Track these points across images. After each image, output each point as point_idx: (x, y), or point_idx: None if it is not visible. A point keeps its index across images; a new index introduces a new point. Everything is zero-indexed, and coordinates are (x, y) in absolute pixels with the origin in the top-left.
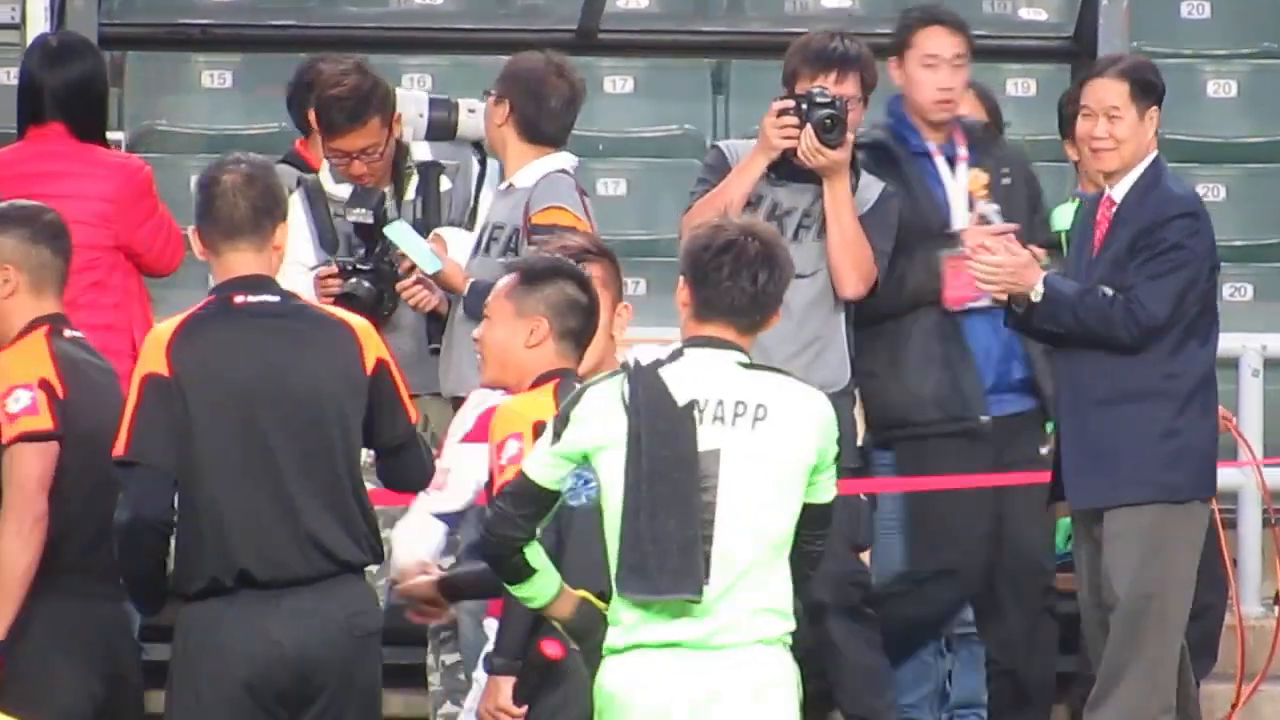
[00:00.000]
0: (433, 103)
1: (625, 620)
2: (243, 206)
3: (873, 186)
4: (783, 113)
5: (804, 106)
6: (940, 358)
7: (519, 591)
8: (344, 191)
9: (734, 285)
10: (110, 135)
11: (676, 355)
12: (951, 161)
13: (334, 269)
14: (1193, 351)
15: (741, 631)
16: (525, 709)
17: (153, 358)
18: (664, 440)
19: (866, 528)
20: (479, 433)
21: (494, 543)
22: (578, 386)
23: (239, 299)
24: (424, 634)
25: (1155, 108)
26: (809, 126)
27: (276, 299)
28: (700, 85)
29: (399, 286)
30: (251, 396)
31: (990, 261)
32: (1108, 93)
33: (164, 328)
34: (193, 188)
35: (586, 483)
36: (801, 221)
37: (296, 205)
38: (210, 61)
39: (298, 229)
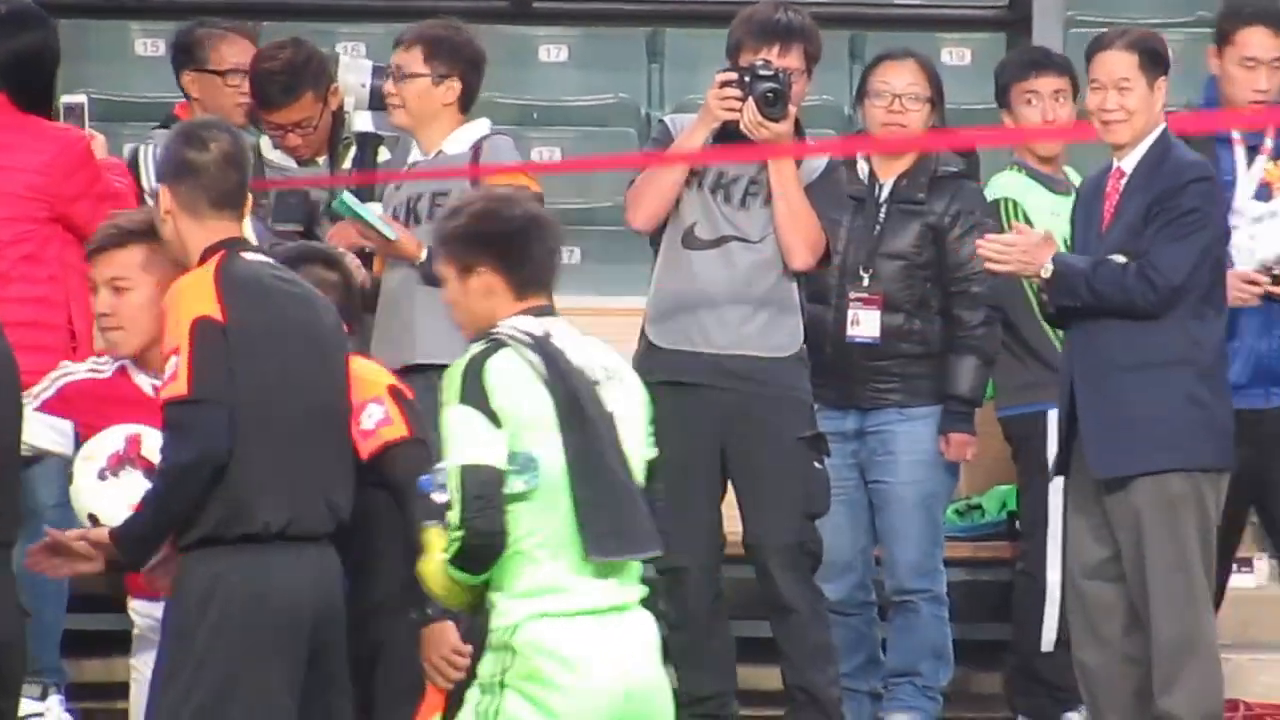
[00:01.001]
0: (376, 71)
1: (568, 585)
2: (234, 178)
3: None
4: (725, 84)
5: (747, 79)
6: None
7: (476, 579)
8: (282, 158)
9: (548, 256)
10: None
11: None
12: (1254, 150)
13: None
14: (1211, 320)
15: (641, 590)
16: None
17: (203, 300)
18: (593, 405)
19: (822, 496)
20: (58, 403)
21: (493, 542)
22: (460, 363)
23: (248, 256)
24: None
25: (1163, 78)
26: (751, 100)
27: (273, 262)
28: (635, 54)
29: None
30: (293, 347)
31: (1002, 240)
32: (1117, 65)
33: (204, 273)
34: (152, 151)
35: (530, 462)
36: (748, 188)
37: None
38: (144, 29)
39: None
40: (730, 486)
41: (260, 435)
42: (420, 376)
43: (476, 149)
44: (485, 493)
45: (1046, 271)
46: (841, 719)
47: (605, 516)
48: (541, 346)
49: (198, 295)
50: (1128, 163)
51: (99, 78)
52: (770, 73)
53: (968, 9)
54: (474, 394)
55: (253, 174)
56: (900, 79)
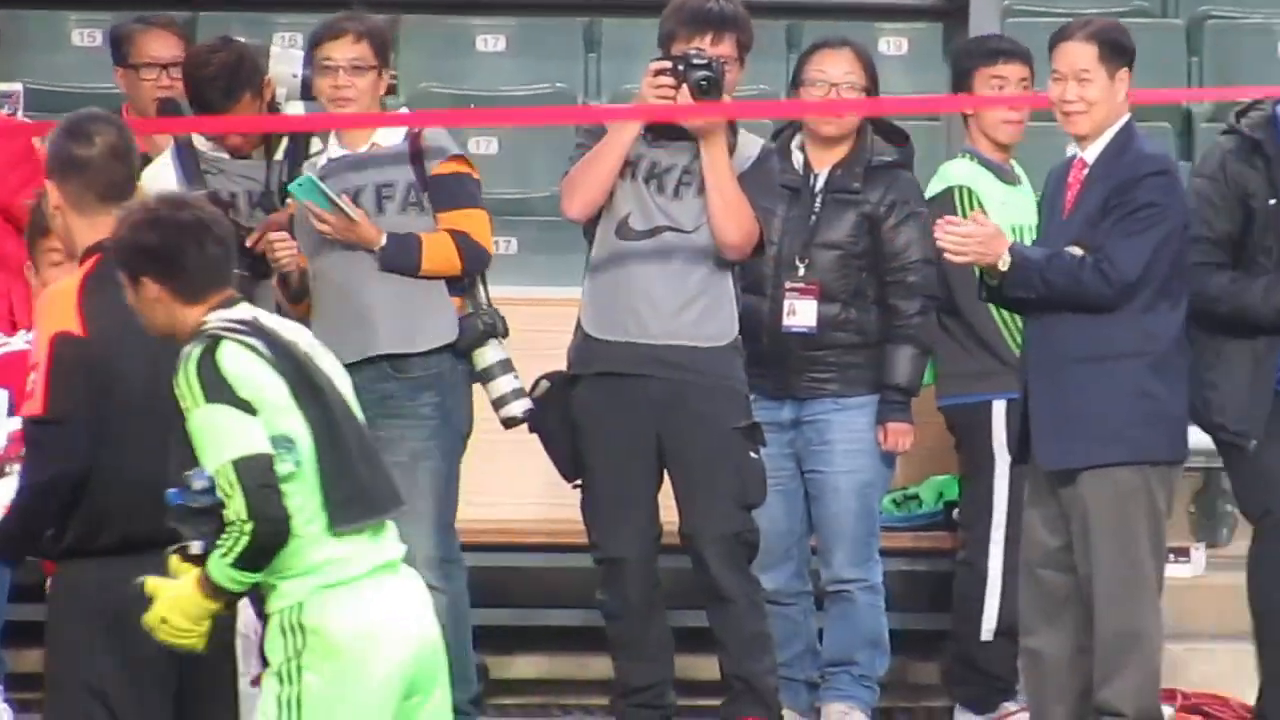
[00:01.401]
0: (307, 61)
1: (340, 555)
2: (120, 171)
3: (752, 144)
4: (659, 73)
5: (680, 67)
6: None
7: (258, 576)
8: (213, 149)
9: (212, 260)
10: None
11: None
12: None
13: None
14: (1165, 313)
15: (401, 547)
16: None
17: (64, 315)
18: (319, 375)
19: (758, 486)
20: None
21: (282, 529)
22: (188, 366)
23: None
24: None
25: (1126, 69)
26: (685, 89)
27: None
28: (572, 44)
29: (273, 238)
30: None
31: (958, 233)
32: (1077, 56)
33: (70, 284)
34: (49, 139)
35: (289, 442)
36: (681, 179)
37: (169, 165)
38: (81, 20)
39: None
40: (667, 476)
41: (126, 445)
42: (371, 367)
43: (414, 139)
44: (266, 480)
45: (1004, 264)
46: (779, 708)
47: (344, 485)
48: (256, 331)
49: (60, 309)
50: (1090, 153)
51: (35, 68)
52: (704, 61)
53: None
54: (218, 390)
55: (187, 168)
56: (836, 68)
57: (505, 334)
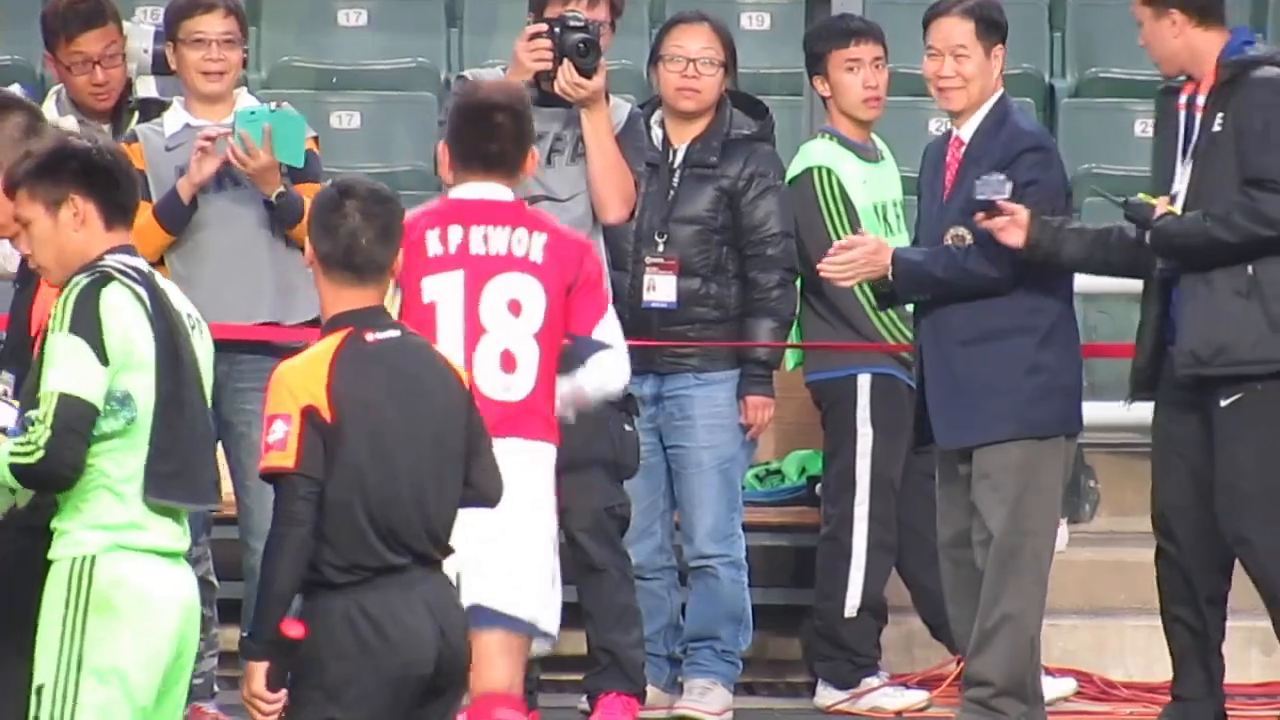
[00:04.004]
0: (158, 36)
1: (145, 523)
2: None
3: (621, 108)
4: (535, 35)
5: (557, 30)
6: None
7: (22, 493)
8: (70, 125)
9: (133, 189)
10: None
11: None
12: None
13: None
14: (1051, 285)
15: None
16: (284, 692)
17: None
18: (187, 349)
19: (631, 458)
20: None
21: (68, 475)
22: (71, 292)
23: None
24: None
25: (1000, 45)
26: (566, 62)
27: None
28: (434, 18)
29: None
30: None
31: (839, 261)
32: (953, 31)
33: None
34: None
35: (126, 401)
36: (554, 146)
37: None
38: None
39: None
40: None
41: None
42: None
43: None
44: (78, 427)
45: (891, 273)
46: (643, 682)
47: (172, 460)
48: (146, 283)
49: None
50: (965, 130)
51: None
52: (581, 23)
53: None
54: (85, 325)
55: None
56: (694, 43)
57: None
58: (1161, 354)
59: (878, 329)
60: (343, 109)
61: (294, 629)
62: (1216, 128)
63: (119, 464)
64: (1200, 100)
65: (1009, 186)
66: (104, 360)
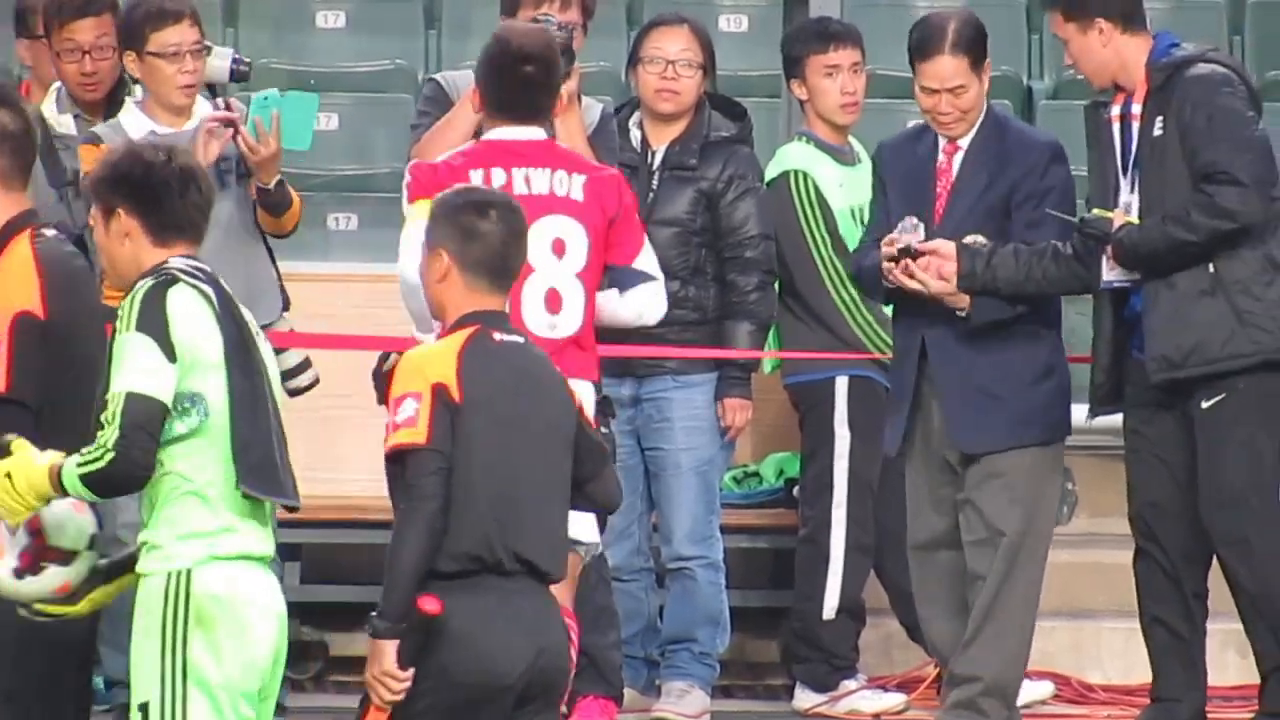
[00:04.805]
0: (236, 60)
1: (237, 526)
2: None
3: (593, 108)
4: None
5: None
6: None
7: (90, 498)
8: (67, 127)
9: (192, 206)
10: None
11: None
12: None
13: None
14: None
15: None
16: (412, 671)
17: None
18: (256, 350)
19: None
20: None
21: (139, 475)
22: (138, 292)
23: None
24: None
25: (988, 58)
26: None
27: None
28: (412, 20)
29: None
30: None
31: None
32: (950, 72)
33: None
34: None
35: (197, 401)
36: None
37: None
38: None
39: None
40: None
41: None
42: None
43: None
44: (147, 425)
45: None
46: (621, 684)
47: (257, 452)
48: (214, 283)
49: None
50: (963, 138)
51: None
52: (553, 25)
53: None
54: (153, 323)
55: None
56: (673, 45)
57: (287, 307)
58: (1121, 365)
59: (855, 333)
60: (321, 111)
61: (430, 604)
62: (1157, 132)
63: (199, 468)
64: (1136, 109)
65: (922, 228)
66: (171, 358)
